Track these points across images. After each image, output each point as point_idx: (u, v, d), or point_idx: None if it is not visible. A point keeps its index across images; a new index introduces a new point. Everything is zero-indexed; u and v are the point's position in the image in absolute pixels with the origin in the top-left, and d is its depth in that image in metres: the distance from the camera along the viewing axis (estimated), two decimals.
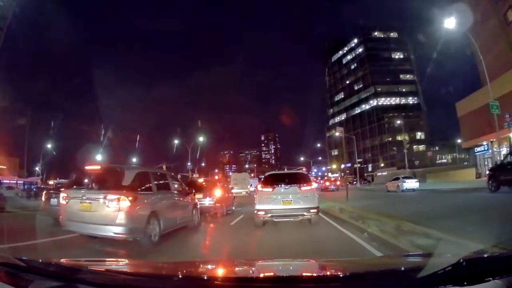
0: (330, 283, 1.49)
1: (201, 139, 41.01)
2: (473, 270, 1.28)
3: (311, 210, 8.09)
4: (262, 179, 9.63)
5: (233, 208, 15.17)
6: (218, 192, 12.44)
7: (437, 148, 76.16)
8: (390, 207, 12.28)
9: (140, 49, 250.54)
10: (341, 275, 1.69)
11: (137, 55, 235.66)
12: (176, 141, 44.05)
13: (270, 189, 8.49)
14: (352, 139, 52.92)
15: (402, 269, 1.69)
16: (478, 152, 34.15)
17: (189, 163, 44.33)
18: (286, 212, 8.18)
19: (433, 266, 1.34)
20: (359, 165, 52.03)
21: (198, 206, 9.15)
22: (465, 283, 1.23)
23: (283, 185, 8.55)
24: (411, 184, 24.19)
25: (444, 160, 72.20)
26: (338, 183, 41.38)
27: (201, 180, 14.12)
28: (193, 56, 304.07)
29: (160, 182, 6.98)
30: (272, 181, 8.89)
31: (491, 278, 1.25)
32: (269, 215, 8.17)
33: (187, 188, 8.69)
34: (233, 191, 29.43)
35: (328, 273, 1.92)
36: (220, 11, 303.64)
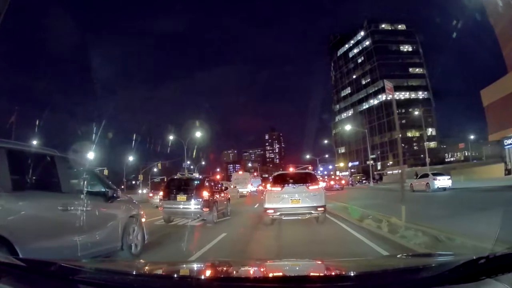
0: (333, 283, 1.45)
1: (202, 137, 37.87)
2: (472, 269, 1.27)
3: (318, 209, 8.35)
4: (272, 179, 9.68)
5: (229, 211, 12.02)
6: (206, 193, 9.18)
7: (444, 146, 72.54)
8: (460, 217, 7.79)
9: (143, 47, 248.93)
10: (343, 275, 1.67)
11: (139, 53, 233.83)
12: (172, 138, 40.98)
13: (279, 188, 8.75)
14: (362, 134, 49.65)
15: (405, 269, 1.74)
16: (507, 145, 30.62)
17: (188, 162, 41.38)
18: (294, 210, 8.46)
19: (434, 266, 1.41)
20: (372, 162, 48.42)
21: (143, 219, 5.34)
22: (461, 281, 1.24)
23: (291, 185, 8.84)
24: (443, 182, 20.58)
25: (453, 158, 68.55)
26: (343, 182, 39.35)
27: (185, 177, 10.86)
28: (197, 55, 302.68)
29: (31, 172, 3.59)
30: (281, 180, 9.11)
31: (485, 277, 1.24)
32: (278, 213, 8.46)
33: (113, 187, 4.75)
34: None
35: (332, 273, 1.86)
36: (224, 9, 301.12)
